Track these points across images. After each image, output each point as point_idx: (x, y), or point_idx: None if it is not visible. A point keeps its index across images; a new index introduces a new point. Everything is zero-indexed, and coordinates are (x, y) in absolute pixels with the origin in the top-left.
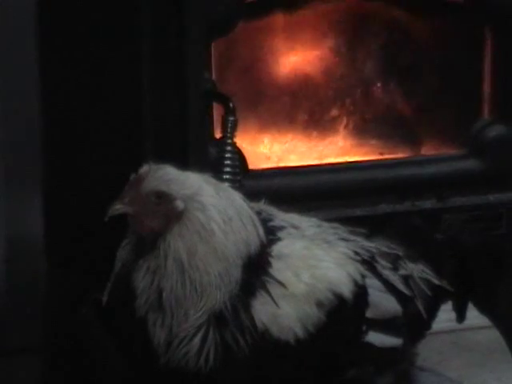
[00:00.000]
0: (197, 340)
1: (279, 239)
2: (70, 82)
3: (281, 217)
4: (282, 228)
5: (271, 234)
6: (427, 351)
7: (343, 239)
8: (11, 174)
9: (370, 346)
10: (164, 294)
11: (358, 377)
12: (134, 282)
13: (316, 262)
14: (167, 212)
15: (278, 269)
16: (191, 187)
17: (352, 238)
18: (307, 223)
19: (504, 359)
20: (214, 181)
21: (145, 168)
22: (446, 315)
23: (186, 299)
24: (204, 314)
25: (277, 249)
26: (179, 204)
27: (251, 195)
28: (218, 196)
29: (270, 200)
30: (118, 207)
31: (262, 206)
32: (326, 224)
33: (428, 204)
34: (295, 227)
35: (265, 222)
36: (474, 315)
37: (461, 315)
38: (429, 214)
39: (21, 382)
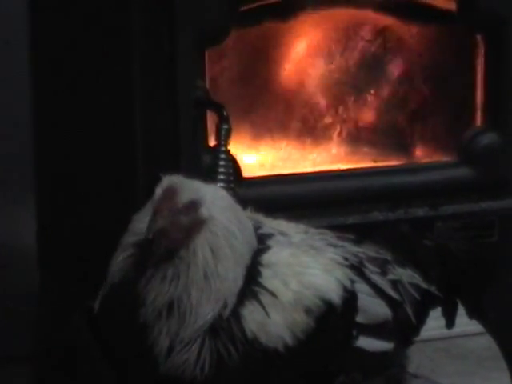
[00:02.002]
0: (195, 346)
1: (269, 247)
2: (62, 89)
3: (268, 224)
4: (270, 236)
5: (261, 242)
6: (420, 358)
7: (331, 245)
8: (3, 182)
9: (361, 350)
10: (177, 303)
11: (347, 382)
12: (141, 292)
13: (303, 268)
14: (193, 221)
15: (266, 277)
16: (207, 193)
17: (340, 243)
18: (294, 230)
19: (496, 366)
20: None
21: (173, 180)
22: (438, 322)
23: (201, 306)
24: (211, 318)
25: (266, 257)
26: (204, 211)
27: (245, 203)
28: (224, 199)
29: (263, 208)
30: (159, 223)
31: (250, 213)
32: (313, 230)
33: (420, 212)
34: (283, 234)
35: (254, 229)
36: (466, 322)
37: (450, 321)
38: (421, 222)
39: None
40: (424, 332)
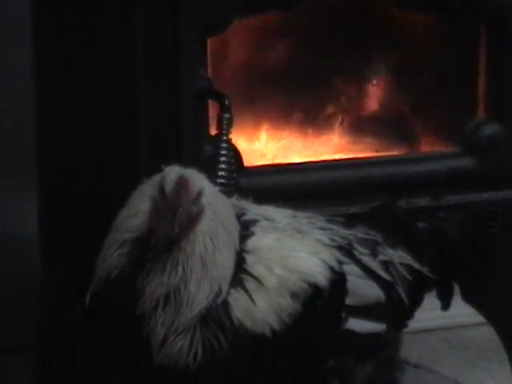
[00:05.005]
0: (188, 335)
1: (253, 233)
2: (65, 79)
3: (254, 210)
4: (254, 222)
5: (244, 229)
6: (421, 349)
7: (318, 228)
8: (7, 174)
9: (351, 333)
10: (174, 292)
11: (338, 366)
12: (139, 285)
13: (288, 252)
14: (197, 210)
15: (250, 263)
16: (204, 181)
17: (328, 226)
18: (281, 214)
19: (497, 357)
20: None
21: (180, 171)
22: (439, 313)
23: (198, 294)
24: (206, 306)
25: (250, 243)
26: (204, 200)
27: (247, 192)
28: (211, 185)
29: (264, 197)
30: (183, 216)
31: (234, 201)
32: (300, 214)
33: (423, 202)
34: (268, 219)
35: (238, 217)
36: (466, 313)
37: (445, 302)
38: (423, 212)
39: (14, 382)
40: (425, 322)
